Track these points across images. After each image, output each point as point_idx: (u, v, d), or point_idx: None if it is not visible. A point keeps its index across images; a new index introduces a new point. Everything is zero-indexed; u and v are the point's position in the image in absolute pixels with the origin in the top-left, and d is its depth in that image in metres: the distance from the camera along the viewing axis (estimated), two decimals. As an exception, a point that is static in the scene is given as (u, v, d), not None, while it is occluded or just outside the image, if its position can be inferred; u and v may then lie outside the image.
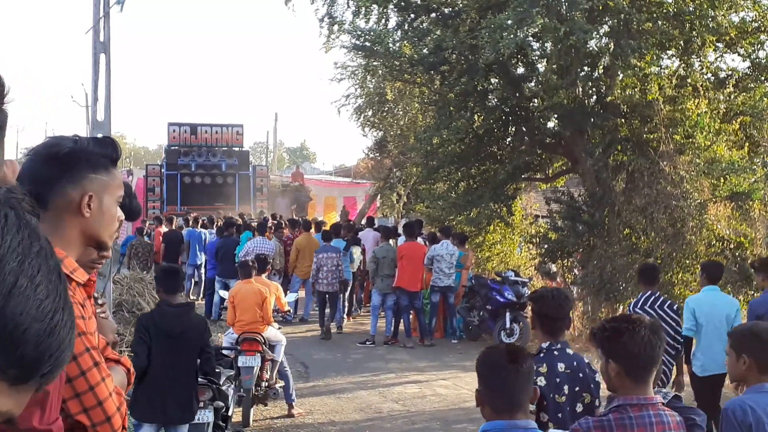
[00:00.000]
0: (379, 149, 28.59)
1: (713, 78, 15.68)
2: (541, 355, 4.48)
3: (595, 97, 15.99)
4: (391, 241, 15.74)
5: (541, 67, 16.32)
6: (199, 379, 7.00)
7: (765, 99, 15.27)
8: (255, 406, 9.67)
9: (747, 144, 15.53)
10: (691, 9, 14.42)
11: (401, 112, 25.65)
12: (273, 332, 9.98)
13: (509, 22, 13.74)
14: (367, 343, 14.58)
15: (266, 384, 9.69)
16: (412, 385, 11.59)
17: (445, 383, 11.67)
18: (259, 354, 9.34)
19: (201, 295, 18.65)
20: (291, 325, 15.72)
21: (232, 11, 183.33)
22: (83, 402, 2.21)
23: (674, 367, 8.43)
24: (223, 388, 7.82)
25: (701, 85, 14.79)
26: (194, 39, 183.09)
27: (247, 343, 9.36)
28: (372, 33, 16.86)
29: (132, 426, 6.64)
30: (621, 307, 13.66)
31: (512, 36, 13.63)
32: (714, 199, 14.18)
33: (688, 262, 14.13)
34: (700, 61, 15.52)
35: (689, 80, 14.96)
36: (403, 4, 16.77)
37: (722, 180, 14.40)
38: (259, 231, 16.73)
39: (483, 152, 17.50)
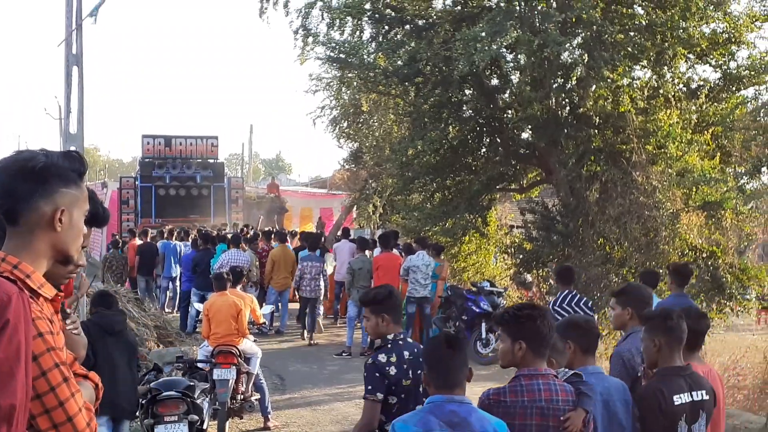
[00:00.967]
0: (354, 160, 28.58)
1: (685, 89, 15.84)
2: (389, 345, 5.03)
3: (568, 108, 16.10)
4: (367, 252, 15.75)
5: (515, 78, 16.41)
6: (173, 393, 7.00)
7: (736, 110, 15.45)
8: (230, 419, 9.63)
9: (719, 154, 15.69)
10: (662, 20, 14.56)
11: (376, 124, 25.66)
12: (248, 344, 9.95)
13: (483, 34, 13.83)
14: (344, 354, 14.57)
15: (242, 397, 9.65)
16: (389, 397, 11.55)
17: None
18: (234, 366, 9.30)
19: (176, 308, 18.54)
20: (267, 337, 15.67)
21: (206, 23, 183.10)
22: (53, 418, 2.20)
23: None
24: (198, 401, 7.79)
25: (673, 96, 14.94)
26: (169, 51, 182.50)
27: (222, 355, 9.31)
28: (346, 45, 16.89)
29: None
30: (596, 317, 13.74)
31: (486, 48, 13.70)
32: (686, 209, 14.31)
33: (661, 271, 14.24)
34: (671, 72, 15.66)
35: (661, 91, 15.09)
36: (377, 16, 16.83)
37: (694, 190, 14.54)
38: (233, 243, 16.67)
39: (458, 163, 17.56)
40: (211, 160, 30.12)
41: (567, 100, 16.03)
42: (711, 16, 14.94)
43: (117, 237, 24.20)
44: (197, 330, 15.24)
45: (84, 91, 11.04)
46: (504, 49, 14.75)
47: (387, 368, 4.89)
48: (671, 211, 14.08)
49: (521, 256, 16.40)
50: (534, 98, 14.71)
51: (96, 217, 2.52)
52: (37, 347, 2.17)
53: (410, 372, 4.98)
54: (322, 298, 16.37)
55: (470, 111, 16.75)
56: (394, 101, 20.85)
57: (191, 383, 7.94)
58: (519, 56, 15.51)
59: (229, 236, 18.40)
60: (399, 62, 16.03)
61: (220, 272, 11.16)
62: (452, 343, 3.90)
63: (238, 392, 9.54)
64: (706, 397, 4.55)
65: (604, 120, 15.07)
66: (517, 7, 15.23)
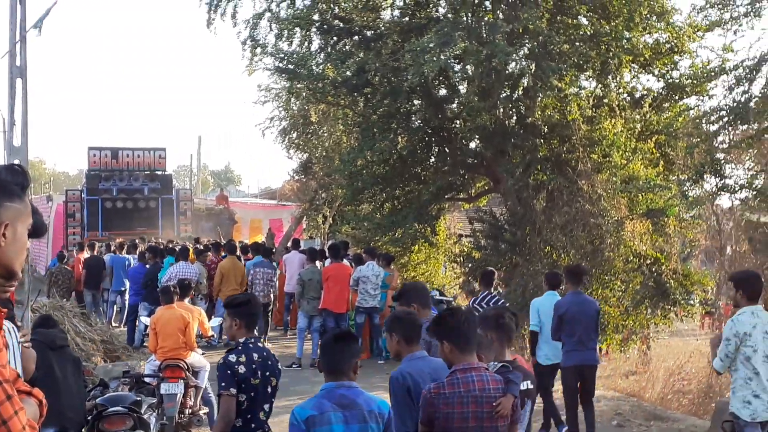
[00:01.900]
0: (304, 171, 28.53)
1: (629, 98, 16.12)
2: (239, 348, 5.59)
3: (515, 118, 16.27)
4: (317, 263, 15.71)
5: (463, 89, 16.55)
6: (120, 408, 6.92)
7: (679, 118, 15.74)
8: (179, 433, 9.52)
9: (662, 162, 15.98)
10: (606, 30, 14.81)
11: (326, 134, 25.66)
12: (196, 358, 9.86)
13: (431, 45, 13.92)
14: (294, 366, 14.49)
15: (190, 411, 9.56)
16: (339, 408, 11.51)
17: (372, 404, 11.65)
18: (182, 381, 9.21)
19: (123, 322, 18.28)
20: (216, 350, 15.52)
21: (152, 34, 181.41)
22: (-5, 436, 2.17)
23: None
24: (145, 416, 7.70)
25: (617, 105, 15.19)
26: (115, 62, 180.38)
27: (170, 369, 9.22)
28: (295, 56, 16.88)
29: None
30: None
31: (435, 59, 13.80)
32: (631, 216, 14.53)
33: (606, 278, 14.44)
34: (616, 81, 15.93)
35: (606, 100, 15.34)
36: (325, 27, 16.85)
37: (639, 197, 14.78)
38: (181, 255, 16.51)
39: (407, 173, 17.63)
40: (159, 172, 29.83)
41: (514, 110, 16.21)
42: (654, 26, 15.24)
43: (63, 251, 23.83)
44: (144, 344, 15.05)
45: (28, 104, 10.91)
46: (452, 60, 14.87)
47: (236, 367, 5.42)
48: (616, 218, 14.29)
49: (470, 265, 16.52)
50: (482, 108, 14.84)
51: (36, 230, 2.50)
52: (-21, 365, 2.14)
53: (258, 372, 5.52)
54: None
55: (419, 121, 16.84)
56: (343, 112, 20.87)
57: (138, 398, 7.86)
58: (467, 67, 15.63)
59: (178, 249, 18.22)
60: (348, 73, 16.07)
61: (167, 285, 11.05)
62: (342, 338, 4.53)
63: (186, 406, 9.45)
64: (531, 387, 5.37)
65: (550, 129, 15.27)
66: (465, 19, 15.37)
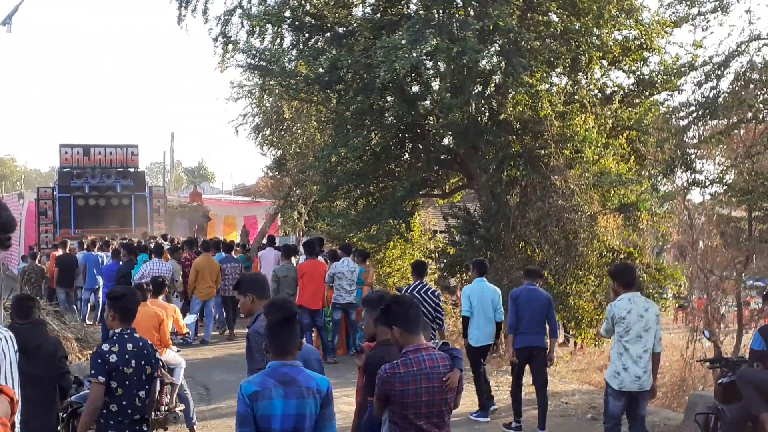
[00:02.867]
0: (278, 168, 28.47)
1: (600, 94, 16.24)
2: (114, 338, 6.01)
3: (488, 114, 16.35)
4: (292, 260, 15.70)
5: (436, 85, 16.59)
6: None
7: (650, 113, 15.86)
8: (155, 431, 9.50)
9: (633, 157, 16.10)
10: (576, 27, 14.91)
11: (299, 131, 25.61)
12: (172, 355, 9.85)
13: (403, 42, 13.95)
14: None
15: (166, 408, 9.53)
16: (316, 404, 11.52)
17: (348, 400, 11.63)
18: (157, 378, 9.18)
19: (98, 320, 18.19)
20: (191, 347, 15.50)
21: (124, 30, 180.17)
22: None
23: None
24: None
25: (588, 102, 15.29)
26: (86, 59, 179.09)
27: (145, 367, 9.18)
28: (267, 52, 16.85)
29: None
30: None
31: (406, 56, 13.84)
32: (603, 211, 14.64)
33: (581, 273, 14.55)
34: (587, 78, 16.05)
35: (577, 97, 15.45)
36: (297, 23, 16.83)
37: (611, 192, 14.89)
38: (155, 253, 16.46)
39: (381, 169, 17.66)
40: (132, 169, 29.60)
41: (486, 106, 16.28)
42: (623, 23, 15.36)
43: (34, 249, 23.65)
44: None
45: (-2, 101, 10.80)
46: (424, 57, 14.90)
47: (108, 356, 5.83)
48: (589, 213, 14.40)
49: (445, 261, 16.58)
50: (454, 105, 14.90)
51: (6, 225, 2.49)
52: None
53: (132, 362, 5.92)
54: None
55: (392, 118, 16.87)
56: (317, 108, 20.87)
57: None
58: (438, 63, 15.69)
59: (152, 246, 18.15)
60: (320, 69, 16.06)
61: (140, 282, 11.02)
62: (286, 321, 4.79)
63: (162, 404, 9.42)
64: None
65: (522, 126, 15.35)
66: (436, 16, 15.42)
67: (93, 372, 5.83)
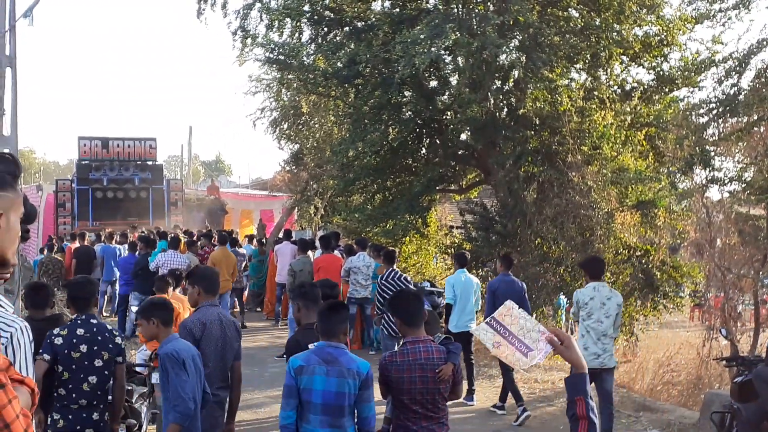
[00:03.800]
0: (295, 162, 28.48)
1: (619, 90, 16.14)
2: (69, 323, 6.12)
3: (506, 110, 16.29)
4: (308, 254, 15.71)
5: (454, 80, 16.55)
6: (110, 397, 6.90)
7: (669, 110, 15.76)
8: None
9: (652, 154, 16.01)
10: (597, 23, 14.83)
11: (317, 125, 25.64)
12: (188, 348, 9.86)
13: (422, 36, 13.92)
14: (285, 356, 14.49)
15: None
16: (330, 398, 11.55)
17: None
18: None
19: (114, 312, 18.28)
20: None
21: (144, 24, 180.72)
22: (-12, 424, 2.17)
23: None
24: (136, 405, 7.71)
25: (608, 98, 15.20)
26: (106, 52, 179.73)
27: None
28: (286, 46, 16.85)
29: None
30: (534, 315, 13.91)
31: (425, 50, 13.79)
32: (621, 208, 14.56)
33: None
34: (606, 73, 15.96)
35: (596, 93, 15.36)
36: (316, 17, 16.83)
37: (629, 189, 14.80)
38: (171, 245, 16.51)
39: (398, 164, 17.64)
40: (150, 162, 29.69)
41: (505, 101, 16.22)
42: (644, 19, 15.27)
43: (53, 240, 23.75)
44: (136, 333, 15.05)
45: (18, 93, 10.88)
46: (443, 52, 14.86)
47: (54, 338, 5.89)
48: (606, 210, 14.32)
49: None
50: (472, 100, 14.85)
51: (26, 216, 2.50)
52: (-29, 354, 2.14)
53: (82, 347, 5.96)
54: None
55: (410, 112, 16.84)
56: (334, 103, 20.86)
57: (129, 387, 7.86)
58: (458, 58, 15.65)
59: (171, 236, 18.21)
60: (338, 64, 16.05)
61: (162, 275, 11.05)
62: (334, 307, 5.38)
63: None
64: None
65: (541, 121, 15.28)
66: (456, 10, 15.38)
67: (41, 351, 5.83)
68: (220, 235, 18.16)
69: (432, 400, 5.54)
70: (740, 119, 12.86)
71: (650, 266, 14.69)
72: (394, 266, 12.49)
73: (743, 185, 13.22)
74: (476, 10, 15.49)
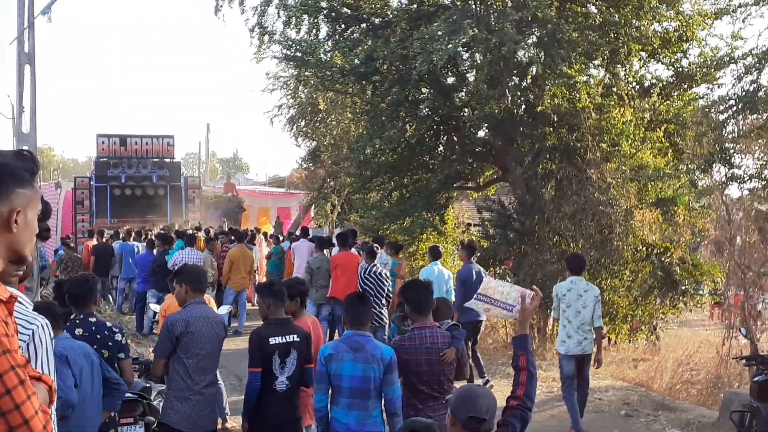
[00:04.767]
0: (312, 159, 28.56)
1: (638, 87, 16.04)
2: (68, 324, 6.14)
3: (524, 106, 16.21)
4: (325, 251, 15.70)
5: (472, 77, 16.49)
6: (129, 394, 6.92)
7: (688, 107, 15.65)
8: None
9: (671, 151, 15.90)
10: (616, 19, 14.74)
11: (334, 122, 25.67)
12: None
13: (440, 33, 13.87)
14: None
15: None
16: (347, 395, 11.56)
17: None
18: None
19: (132, 309, 18.36)
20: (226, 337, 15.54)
21: (161, 22, 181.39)
22: (8, 420, 2.17)
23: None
24: (154, 402, 7.72)
25: (626, 94, 15.12)
26: (124, 49, 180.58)
27: (179, 356, 9.21)
28: (303, 43, 16.84)
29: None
30: (551, 313, 13.85)
31: (443, 47, 13.74)
32: (640, 206, 14.46)
33: (615, 267, 14.39)
34: (625, 70, 15.86)
35: (615, 89, 15.27)
36: (333, 14, 16.81)
37: (648, 186, 14.71)
38: (188, 242, 16.54)
39: (415, 161, 17.61)
40: (168, 160, 29.77)
41: (523, 98, 16.15)
42: (663, 14, 15.17)
43: (69, 237, 23.87)
44: (154, 331, 15.11)
45: (37, 90, 10.97)
46: (461, 48, 14.80)
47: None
48: (625, 207, 14.23)
49: (478, 254, 16.45)
50: (490, 97, 14.80)
51: (42, 212, 2.50)
52: (-8, 350, 2.14)
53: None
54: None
55: (427, 109, 16.81)
56: (352, 100, 20.83)
57: (147, 385, 7.89)
58: (476, 55, 15.59)
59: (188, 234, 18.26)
60: (356, 61, 16.03)
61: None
62: (360, 298, 6.11)
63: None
64: (297, 339, 6.35)
65: (559, 118, 15.21)
66: (474, 6, 15.33)
67: None
68: (236, 233, 18.21)
69: (437, 381, 6.07)
70: (760, 116, 12.77)
71: (670, 264, 14.59)
72: (374, 261, 12.96)
73: (763, 183, 13.12)
74: (494, 6, 15.42)
